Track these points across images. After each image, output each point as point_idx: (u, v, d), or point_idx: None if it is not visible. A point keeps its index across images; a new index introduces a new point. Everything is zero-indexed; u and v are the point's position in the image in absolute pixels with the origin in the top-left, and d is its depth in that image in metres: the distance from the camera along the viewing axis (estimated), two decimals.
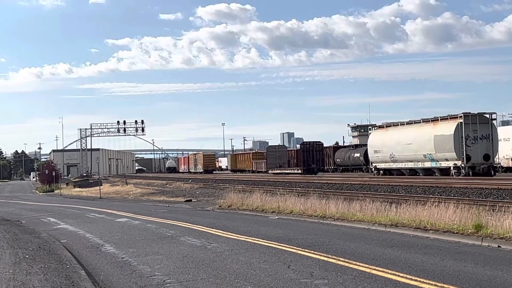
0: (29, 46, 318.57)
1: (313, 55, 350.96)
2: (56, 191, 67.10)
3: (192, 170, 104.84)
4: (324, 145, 71.25)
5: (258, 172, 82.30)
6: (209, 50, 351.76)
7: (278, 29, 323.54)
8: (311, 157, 65.77)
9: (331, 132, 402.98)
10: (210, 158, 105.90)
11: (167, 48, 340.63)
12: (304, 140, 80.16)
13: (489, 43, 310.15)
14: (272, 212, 21.24)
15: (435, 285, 8.43)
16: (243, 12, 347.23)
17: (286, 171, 69.03)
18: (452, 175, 39.90)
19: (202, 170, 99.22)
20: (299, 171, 65.07)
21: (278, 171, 71.09)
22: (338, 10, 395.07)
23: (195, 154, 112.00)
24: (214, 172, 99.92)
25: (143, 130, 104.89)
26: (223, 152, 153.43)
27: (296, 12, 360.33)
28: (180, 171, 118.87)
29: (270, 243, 13.21)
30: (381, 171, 49.35)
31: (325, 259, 10.81)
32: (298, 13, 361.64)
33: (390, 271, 9.42)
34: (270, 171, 73.77)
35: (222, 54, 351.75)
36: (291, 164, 72.61)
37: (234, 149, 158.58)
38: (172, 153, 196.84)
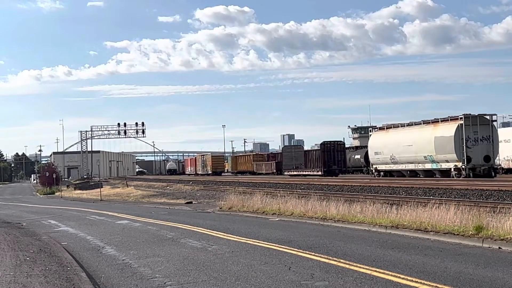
0: (28, 49, 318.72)
1: (312, 57, 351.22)
2: (56, 193, 67.10)
3: (200, 172, 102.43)
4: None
5: (259, 174, 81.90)
6: (208, 52, 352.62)
7: (276, 31, 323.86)
8: (331, 158, 61.42)
9: (331, 134, 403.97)
10: (218, 160, 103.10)
11: (166, 50, 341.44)
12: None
13: (488, 44, 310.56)
14: (273, 214, 21.23)
15: (436, 286, 8.42)
16: (242, 14, 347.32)
17: (304, 173, 64.50)
18: (453, 177, 39.91)
19: (210, 172, 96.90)
20: (319, 173, 60.77)
21: (295, 173, 66.54)
22: (336, 12, 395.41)
23: (203, 155, 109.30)
24: (222, 174, 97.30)
25: (143, 132, 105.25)
26: (223, 154, 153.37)
27: (294, 14, 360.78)
28: (186, 172, 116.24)
29: (270, 245, 13.21)
30: (382, 173, 49.34)
31: (326, 261, 10.81)
32: (296, 15, 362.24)
33: (391, 273, 9.42)
34: (285, 173, 69.81)
35: (221, 56, 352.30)
36: (309, 165, 66.88)
37: (235, 151, 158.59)
38: (173, 155, 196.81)
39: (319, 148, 64.18)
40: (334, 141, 64.48)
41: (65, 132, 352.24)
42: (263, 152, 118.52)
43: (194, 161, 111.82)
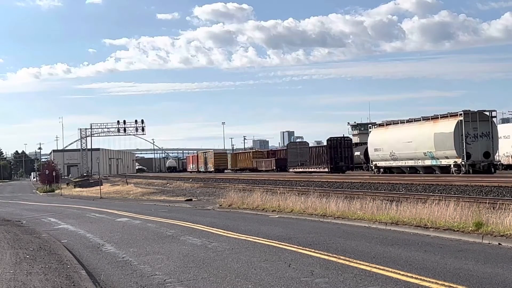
0: (26, 47, 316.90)
1: (310, 54, 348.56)
2: (56, 191, 67.09)
3: (202, 169, 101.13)
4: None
5: (259, 171, 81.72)
6: (207, 49, 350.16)
7: (275, 28, 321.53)
8: (338, 154, 60.00)
9: (331, 130, 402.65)
10: (221, 157, 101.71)
11: (164, 47, 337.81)
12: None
13: (487, 41, 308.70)
14: (273, 211, 21.24)
15: (435, 283, 8.43)
16: (240, 11, 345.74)
17: (309, 170, 62.52)
18: (453, 173, 39.92)
19: (213, 169, 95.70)
20: (326, 170, 59.46)
21: (300, 170, 64.97)
22: (334, 9, 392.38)
23: (205, 152, 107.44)
24: (225, 171, 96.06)
25: (143, 129, 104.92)
26: (225, 151, 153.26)
27: (293, 11, 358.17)
28: (188, 170, 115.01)
29: (270, 242, 13.22)
30: (382, 170, 49.35)
31: (326, 257, 10.81)
32: (295, 12, 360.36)
33: (390, 269, 9.42)
34: (290, 170, 68.58)
35: (220, 53, 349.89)
36: (315, 162, 64.25)
37: (235, 148, 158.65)
38: (172, 153, 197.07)
39: (326, 144, 62.68)
40: (341, 137, 63.19)
41: (64, 130, 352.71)
42: (263, 149, 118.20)
43: (196, 158, 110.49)
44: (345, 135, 66.29)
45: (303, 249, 11.89)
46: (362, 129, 77.92)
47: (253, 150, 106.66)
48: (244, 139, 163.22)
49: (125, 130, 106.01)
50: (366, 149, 54.54)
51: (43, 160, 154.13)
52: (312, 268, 9.85)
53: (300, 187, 33.41)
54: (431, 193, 23.10)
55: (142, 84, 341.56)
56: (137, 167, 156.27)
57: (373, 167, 50.62)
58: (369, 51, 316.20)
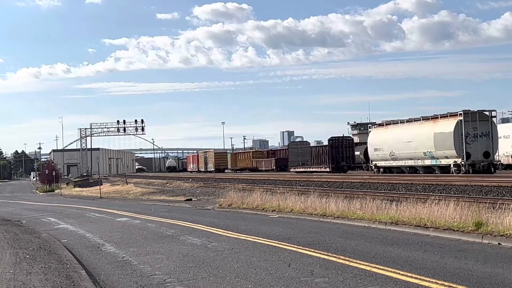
0: (26, 46, 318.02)
1: (310, 54, 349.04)
2: (56, 191, 67.09)
3: (202, 169, 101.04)
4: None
5: (259, 170, 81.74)
6: (207, 49, 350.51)
7: (275, 28, 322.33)
8: (340, 154, 60.38)
9: (330, 130, 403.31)
10: (222, 156, 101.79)
11: (164, 47, 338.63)
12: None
13: (487, 40, 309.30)
14: (273, 210, 21.24)
15: (435, 282, 8.43)
16: (240, 11, 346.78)
17: (311, 169, 62.75)
18: (452, 173, 39.93)
19: (213, 169, 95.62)
20: (327, 169, 59.73)
21: (301, 170, 65.07)
22: (334, 9, 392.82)
23: (205, 152, 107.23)
24: (225, 171, 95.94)
25: (143, 129, 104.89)
26: (226, 151, 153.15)
27: (292, 11, 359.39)
28: (188, 170, 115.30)
29: (270, 241, 13.22)
30: (381, 169, 49.37)
31: (326, 257, 10.82)
32: (295, 12, 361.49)
33: (390, 269, 9.42)
34: (292, 169, 68.70)
35: (219, 53, 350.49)
36: (316, 161, 64.28)
37: (234, 148, 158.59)
38: (172, 152, 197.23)
39: (328, 144, 62.59)
40: (342, 137, 63.40)
41: (64, 130, 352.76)
42: (262, 149, 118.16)
43: (196, 158, 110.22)
44: (346, 135, 66.39)
45: (303, 249, 11.89)
46: (362, 129, 78.05)
47: (253, 150, 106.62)
48: (244, 139, 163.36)
49: (125, 130, 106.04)
50: (366, 149, 54.55)
51: (43, 160, 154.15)
52: (312, 268, 9.85)
53: (300, 187, 33.40)
54: (431, 193, 23.11)
55: (142, 84, 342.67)
56: (137, 167, 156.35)
57: (373, 167, 50.63)
58: (369, 51, 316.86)
